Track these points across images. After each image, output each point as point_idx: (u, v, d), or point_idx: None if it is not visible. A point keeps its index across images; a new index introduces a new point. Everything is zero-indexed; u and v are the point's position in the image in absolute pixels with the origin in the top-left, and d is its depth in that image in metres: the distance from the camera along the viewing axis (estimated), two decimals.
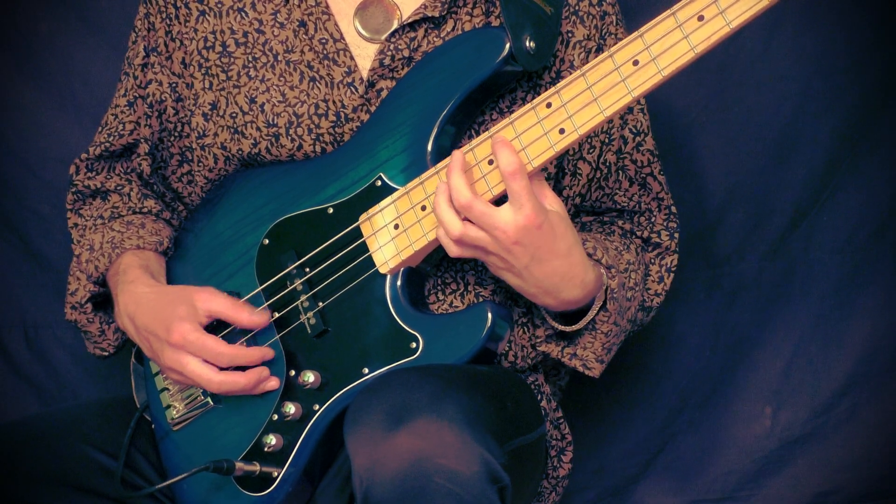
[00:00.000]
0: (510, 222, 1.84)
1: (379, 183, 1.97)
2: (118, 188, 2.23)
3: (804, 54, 2.60)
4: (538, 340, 2.08)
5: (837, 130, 2.62)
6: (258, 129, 2.06)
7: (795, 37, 2.60)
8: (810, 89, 2.61)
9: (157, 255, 2.14)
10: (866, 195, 2.63)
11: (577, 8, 2.06)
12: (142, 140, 2.20)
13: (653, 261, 2.15)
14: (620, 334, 2.05)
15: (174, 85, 2.16)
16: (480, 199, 1.86)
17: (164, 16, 2.14)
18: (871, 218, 2.63)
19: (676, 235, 2.17)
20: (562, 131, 1.87)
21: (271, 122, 2.05)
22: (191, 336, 1.96)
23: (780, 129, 2.63)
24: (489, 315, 1.90)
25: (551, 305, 1.95)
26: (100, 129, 2.25)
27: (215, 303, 2.00)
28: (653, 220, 2.17)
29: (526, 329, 2.12)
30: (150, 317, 2.01)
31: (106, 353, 2.20)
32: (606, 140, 2.12)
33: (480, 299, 2.07)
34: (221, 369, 1.98)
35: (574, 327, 2.00)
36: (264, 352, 2.00)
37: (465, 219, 1.87)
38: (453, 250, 1.90)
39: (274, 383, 2.00)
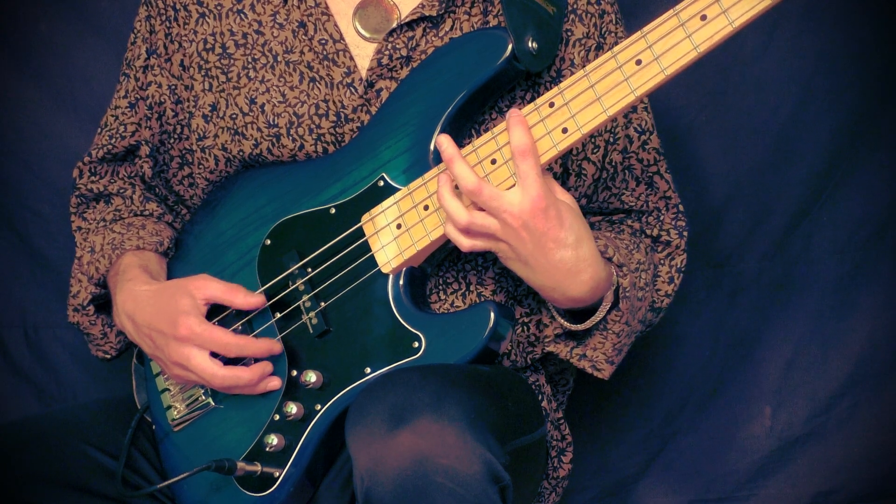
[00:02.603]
0: (517, 204, 1.83)
1: (381, 183, 1.97)
2: (121, 191, 2.23)
3: (804, 54, 2.61)
4: (547, 340, 2.06)
5: (837, 130, 2.62)
6: (259, 129, 2.06)
7: (795, 37, 2.60)
8: (810, 89, 2.61)
9: (158, 256, 2.14)
10: (866, 195, 2.63)
11: (575, 6, 2.06)
12: (142, 142, 2.20)
13: (662, 261, 2.14)
14: (631, 335, 2.04)
15: (173, 87, 2.16)
16: (488, 182, 1.86)
17: (163, 18, 2.14)
18: (871, 218, 2.64)
19: (685, 234, 2.16)
20: (565, 131, 1.86)
21: (272, 123, 2.05)
22: (198, 328, 1.96)
23: (780, 128, 2.63)
24: (492, 315, 1.90)
25: (558, 301, 1.94)
26: (100, 130, 2.24)
27: (210, 288, 2.00)
28: (661, 218, 2.16)
29: (526, 328, 2.12)
30: (151, 313, 2.01)
31: (108, 356, 2.20)
32: (611, 139, 2.11)
33: (482, 299, 2.07)
34: (226, 363, 1.98)
35: (582, 326, 1.99)
36: (272, 345, 2.00)
37: (470, 206, 1.87)
38: (464, 244, 1.89)
39: (276, 383, 2.00)
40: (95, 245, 2.14)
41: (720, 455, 2.69)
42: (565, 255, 1.87)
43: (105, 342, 2.18)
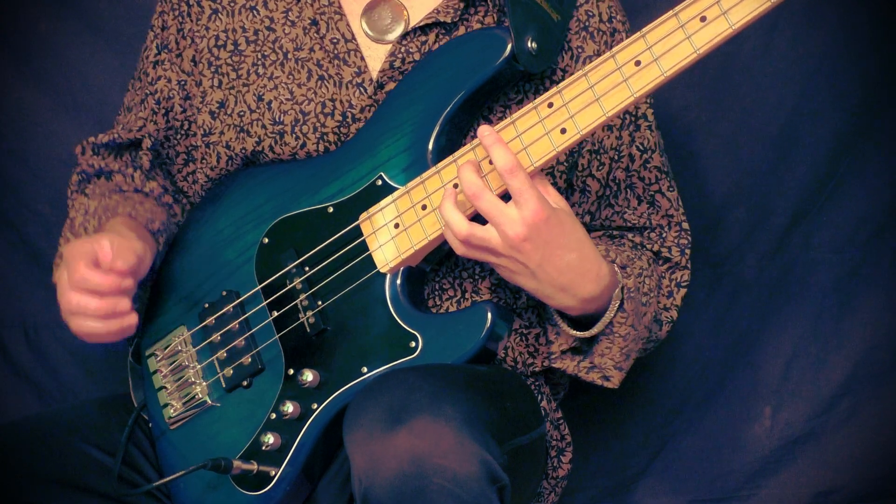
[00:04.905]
0: (517, 218, 1.83)
1: (379, 182, 1.97)
2: (121, 170, 2.22)
3: (804, 54, 2.60)
4: (553, 357, 2.05)
5: (837, 130, 2.61)
6: (263, 126, 2.06)
7: (795, 37, 2.60)
8: (810, 89, 2.61)
9: (145, 231, 2.11)
10: (866, 195, 2.63)
11: (587, 24, 2.06)
12: (146, 136, 2.21)
13: (663, 274, 2.14)
14: (637, 341, 2.03)
15: (183, 83, 2.16)
16: (490, 191, 1.86)
17: (176, 13, 2.15)
18: (871, 218, 2.63)
19: (688, 252, 2.16)
20: (563, 131, 1.86)
21: (277, 120, 2.06)
22: (69, 257, 1.91)
23: (780, 129, 2.63)
24: (489, 315, 1.90)
25: (571, 306, 1.93)
26: (116, 124, 2.26)
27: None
28: (663, 235, 2.16)
29: (524, 338, 2.11)
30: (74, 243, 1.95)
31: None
32: (616, 157, 2.11)
33: None
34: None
35: (593, 331, 1.97)
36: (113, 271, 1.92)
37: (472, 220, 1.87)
38: (460, 248, 1.90)
39: (132, 319, 1.92)
40: (89, 208, 2.12)
41: (720, 455, 2.69)
42: (571, 259, 1.88)
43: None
